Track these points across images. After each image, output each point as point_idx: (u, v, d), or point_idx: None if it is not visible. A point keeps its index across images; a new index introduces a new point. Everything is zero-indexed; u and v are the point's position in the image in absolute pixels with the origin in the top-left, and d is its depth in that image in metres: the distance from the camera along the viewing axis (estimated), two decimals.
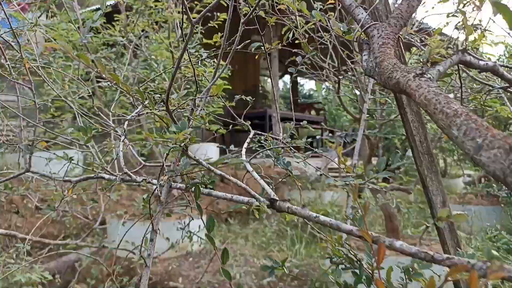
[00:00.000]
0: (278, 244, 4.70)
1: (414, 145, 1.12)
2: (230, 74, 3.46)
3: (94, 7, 6.32)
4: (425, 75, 0.70)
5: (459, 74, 1.09)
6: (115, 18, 4.61)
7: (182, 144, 0.68)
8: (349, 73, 3.26)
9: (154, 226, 1.04)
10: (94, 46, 4.26)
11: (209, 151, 6.76)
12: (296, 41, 1.91)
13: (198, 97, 0.91)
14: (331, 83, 2.69)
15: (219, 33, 1.15)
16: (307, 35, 1.97)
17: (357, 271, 0.80)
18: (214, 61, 1.89)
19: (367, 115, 2.04)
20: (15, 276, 2.30)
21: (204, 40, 4.72)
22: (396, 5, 0.86)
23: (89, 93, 2.25)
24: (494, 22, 1.33)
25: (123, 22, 4.57)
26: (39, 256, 2.46)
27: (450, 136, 0.62)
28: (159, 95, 1.05)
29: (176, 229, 4.02)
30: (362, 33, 0.89)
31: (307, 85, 24.68)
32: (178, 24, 4.49)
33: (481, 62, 0.85)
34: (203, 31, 4.08)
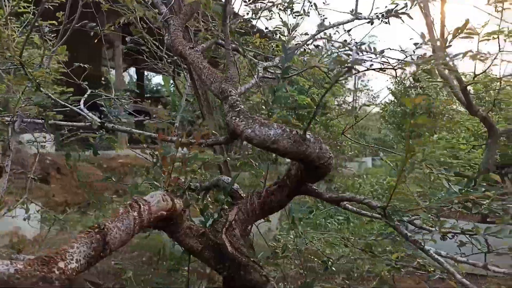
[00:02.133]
0: None
1: (198, 95, 1.71)
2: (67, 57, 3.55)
3: None
4: (194, 48, 1.25)
5: (244, 54, 1.72)
6: None
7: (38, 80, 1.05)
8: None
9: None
10: None
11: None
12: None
13: (47, 56, 1.27)
14: (164, 65, 3.14)
15: (61, 11, 1.48)
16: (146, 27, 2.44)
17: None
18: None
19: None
20: None
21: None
22: (183, 6, 1.39)
23: None
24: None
25: None
26: None
27: (200, 78, 1.17)
28: None
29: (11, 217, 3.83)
30: (165, 22, 1.39)
31: (155, 79, 24.44)
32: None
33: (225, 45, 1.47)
34: (35, 12, 4.01)
